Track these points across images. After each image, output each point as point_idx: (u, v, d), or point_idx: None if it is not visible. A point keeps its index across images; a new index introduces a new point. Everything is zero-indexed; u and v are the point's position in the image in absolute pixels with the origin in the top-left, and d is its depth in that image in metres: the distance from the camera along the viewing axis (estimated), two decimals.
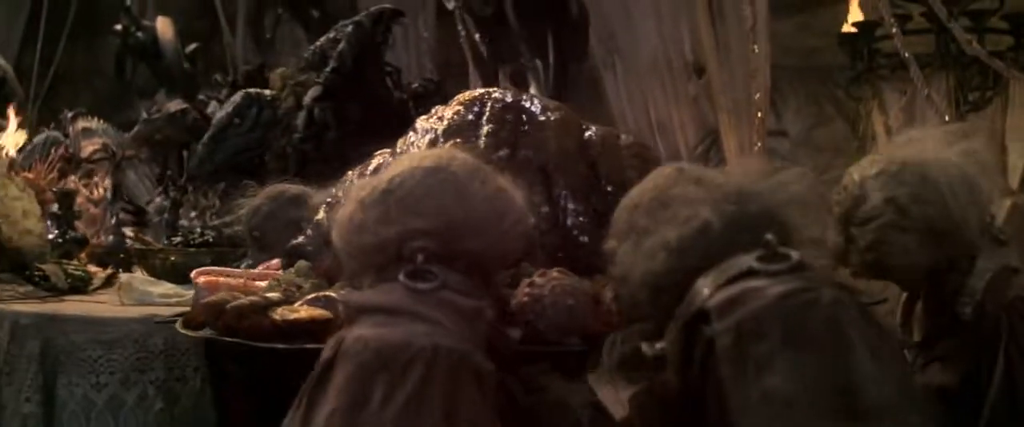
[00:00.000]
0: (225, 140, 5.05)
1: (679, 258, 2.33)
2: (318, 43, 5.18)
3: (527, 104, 3.63)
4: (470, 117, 3.60)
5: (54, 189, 5.37)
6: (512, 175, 2.91)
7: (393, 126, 4.93)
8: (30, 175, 5.49)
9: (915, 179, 2.80)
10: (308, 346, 2.54)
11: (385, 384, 2.27)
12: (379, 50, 5.05)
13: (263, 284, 3.46)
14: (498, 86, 5.89)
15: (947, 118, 6.70)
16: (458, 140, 3.47)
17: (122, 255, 5.02)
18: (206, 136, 5.18)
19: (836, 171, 8.93)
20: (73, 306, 3.81)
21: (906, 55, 6.38)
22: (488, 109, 3.62)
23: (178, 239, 4.91)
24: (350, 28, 4.96)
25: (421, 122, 3.77)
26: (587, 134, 3.62)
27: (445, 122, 3.63)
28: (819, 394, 2.06)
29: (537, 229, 3.19)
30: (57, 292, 4.17)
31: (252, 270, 3.90)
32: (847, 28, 7.61)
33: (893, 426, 2.05)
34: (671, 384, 2.32)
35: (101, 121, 8.82)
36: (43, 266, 4.32)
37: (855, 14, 7.46)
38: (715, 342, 2.16)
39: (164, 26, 8.52)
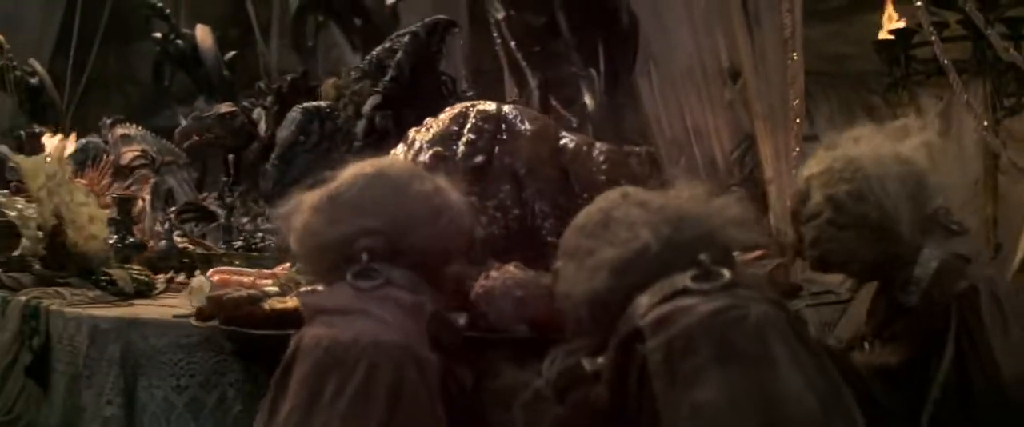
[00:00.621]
0: (294, 158, 5.10)
1: (618, 277, 2.44)
2: (374, 52, 5.24)
3: (508, 115, 3.80)
4: (454, 127, 3.78)
5: (114, 195, 5.46)
6: (487, 179, 3.50)
7: None
8: (84, 181, 5.57)
9: (853, 177, 2.91)
10: (292, 332, 2.70)
11: (336, 380, 2.43)
12: (434, 59, 5.13)
13: (269, 282, 3.70)
14: (537, 93, 6.01)
15: (986, 123, 6.77)
16: (439, 148, 3.69)
17: (185, 259, 5.08)
18: (274, 157, 5.21)
19: None
20: (150, 310, 3.85)
21: (945, 62, 6.44)
22: (470, 120, 3.78)
23: (239, 244, 4.99)
24: (407, 38, 5.04)
25: (412, 132, 3.93)
26: (562, 142, 3.78)
27: (431, 132, 3.81)
28: (745, 407, 2.17)
29: (507, 228, 3.54)
30: (124, 297, 4.22)
31: (265, 270, 4.06)
32: (884, 35, 7.65)
33: None
34: (603, 397, 2.42)
35: (139, 127, 8.88)
36: (110, 271, 4.38)
37: (892, 22, 7.51)
38: (648, 359, 2.27)
39: (203, 34, 8.65)
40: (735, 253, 2.70)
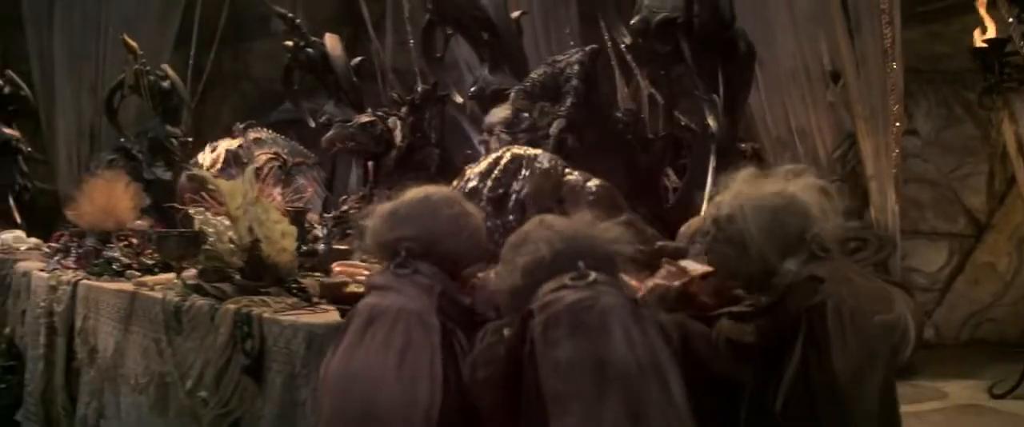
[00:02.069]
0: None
1: (526, 277, 3.49)
2: (534, 76, 5.98)
3: (530, 157, 5.04)
4: (490, 167, 5.07)
5: (288, 208, 6.08)
6: (503, 206, 4.85)
7: (616, 144, 5.87)
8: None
9: (731, 205, 3.77)
10: None
11: (371, 332, 3.61)
12: (598, 82, 5.85)
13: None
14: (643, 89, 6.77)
15: None
16: (475, 183, 5.02)
17: None
18: (504, 129, 5.83)
19: (965, 169, 9.67)
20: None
21: None
22: (502, 161, 5.06)
23: None
24: (576, 68, 5.78)
25: (468, 168, 5.22)
26: (566, 178, 4.98)
27: (478, 168, 5.11)
28: (585, 363, 3.20)
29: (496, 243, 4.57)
30: (315, 303, 4.87)
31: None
32: (978, 43, 8.19)
33: (627, 384, 3.17)
34: (507, 353, 3.48)
35: (270, 131, 9.59)
36: (300, 279, 5.09)
37: (989, 31, 8.05)
38: (533, 330, 3.34)
39: (333, 43, 9.23)
40: (687, 264, 4.07)
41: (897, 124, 9.06)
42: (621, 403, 3.16)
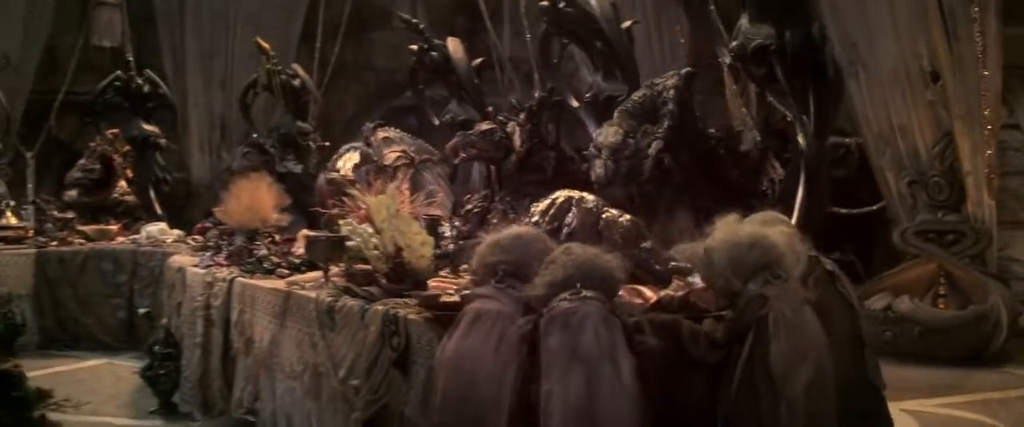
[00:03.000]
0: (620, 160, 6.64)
1: (547, 289, 4.68)
2: (635, 97, 6.80)
3: (578, 199, 6.16)
4: (547, 207, 6.18)
5: (424, 217, 6.90)
6: (555, 238, 5.68)
7: (709, 160, 6.67)
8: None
9: (713, 240, 4.89)
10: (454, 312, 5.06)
11: (475, 328, 4.76)
12: (692, 103, 6.76)
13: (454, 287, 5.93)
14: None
15: None
16: (536, 218, 6.14)
17: None
18: (608, 154, 6.62)
19: None
20: None
21: None
22: (557, 202, 6.16)
23: None
24: (672, 92, 6.57)
25: (533, 206, 6.35)
26: (602, 216, 6.03)
27: (540, 207, 6.23)
28: (564, 349, 4.44)
29: None
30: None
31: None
32: None
33: (588, 364, 4.39)
34: (527, 337, 4.65)
35: (397, 130, 10.38)
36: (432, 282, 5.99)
37: None
38: (540, 326, 4.57)
39: (455, 46, 9.98)
40: (693, 280, 5.26)
41: (989, 128, 9.83)
42: (582, 375, 4.43)
